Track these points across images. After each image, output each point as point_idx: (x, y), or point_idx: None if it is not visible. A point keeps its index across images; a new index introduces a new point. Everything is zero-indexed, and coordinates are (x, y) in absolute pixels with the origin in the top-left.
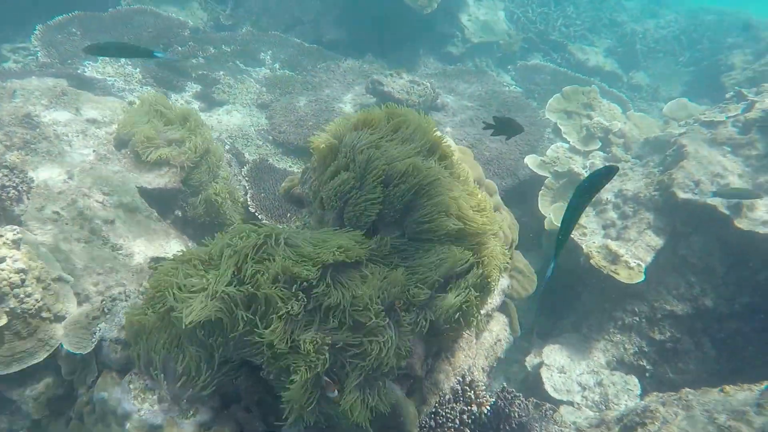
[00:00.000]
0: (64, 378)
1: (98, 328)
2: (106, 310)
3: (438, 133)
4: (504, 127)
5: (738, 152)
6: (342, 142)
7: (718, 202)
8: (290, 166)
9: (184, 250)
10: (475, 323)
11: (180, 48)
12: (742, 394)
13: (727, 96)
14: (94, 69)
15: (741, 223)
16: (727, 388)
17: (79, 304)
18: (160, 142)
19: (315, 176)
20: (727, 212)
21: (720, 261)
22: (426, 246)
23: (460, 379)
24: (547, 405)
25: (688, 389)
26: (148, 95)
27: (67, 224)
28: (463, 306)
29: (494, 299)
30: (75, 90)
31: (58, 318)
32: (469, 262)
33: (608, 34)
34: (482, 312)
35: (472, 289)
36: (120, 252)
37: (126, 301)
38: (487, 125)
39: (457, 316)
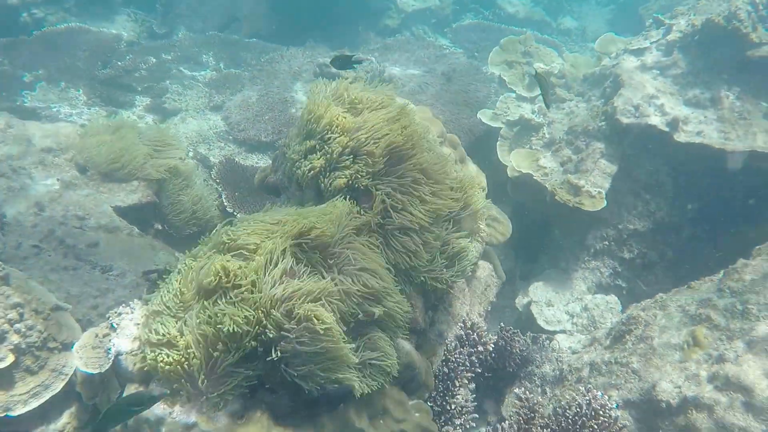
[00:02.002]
0: (86, 404)
1: (112, 344)
2: (114, 325)
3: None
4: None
5: (666, 73)
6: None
7: (657, 121)
8: (257, 162)
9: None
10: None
11: (120, 63)
12: (705, 285)
13: (647, 24)
14: (34, 98)
15: (680, 137)
16: (693, 283)
17: (83, 329)
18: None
19: (287, 161)
20: (666, 129)
21: (667, 175)
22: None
23: (462, 324)
24: (543, 336)
25: (661, 294)
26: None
27: (50, 255)
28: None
29: (476, 251)
30: (20, 121)
31: (66, 346)
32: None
33: None
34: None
35: (462, 238)
36: (111, 273)
37: (132, 313)
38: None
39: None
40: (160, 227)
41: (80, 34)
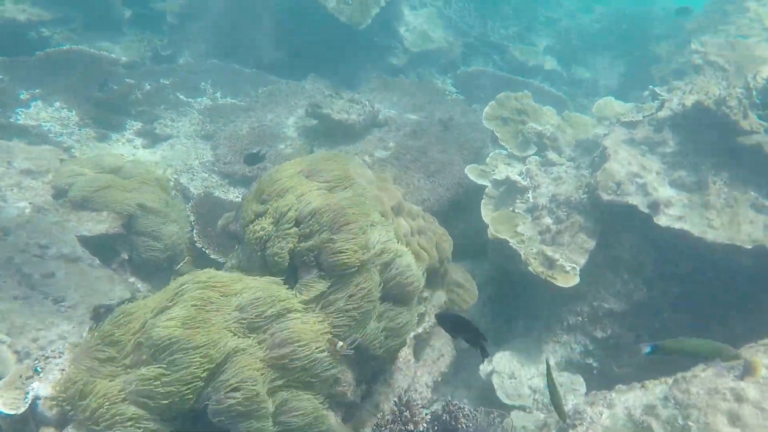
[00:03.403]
0: None
1: (31, 388)
2: (38, 369)
3: (351, 171)
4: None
5: (654, 150)
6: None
7: (638, 201)
8: (237, 197)
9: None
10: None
11: (115, 87)
12: (659, 387)
13: (645, 94)
14: (28, 116)
15: (660, 220)
16: (647, 383)
17: (20, 361)
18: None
19: (243, 216)
20: (647, 210)
21: (648, 256)
22: (342, 280)
23: (396, 399)
24: (496, 412)
25: (620, 386)
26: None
27: (4, 282)
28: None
29: (431, 317)
30: (5, 142)
31: None
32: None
33: (546, 32)
34: (419, 330)
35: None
36: (62, 304)
37: (60, 357)
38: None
39: (383, 338)
40: (127, 257)
41: (80, 56)
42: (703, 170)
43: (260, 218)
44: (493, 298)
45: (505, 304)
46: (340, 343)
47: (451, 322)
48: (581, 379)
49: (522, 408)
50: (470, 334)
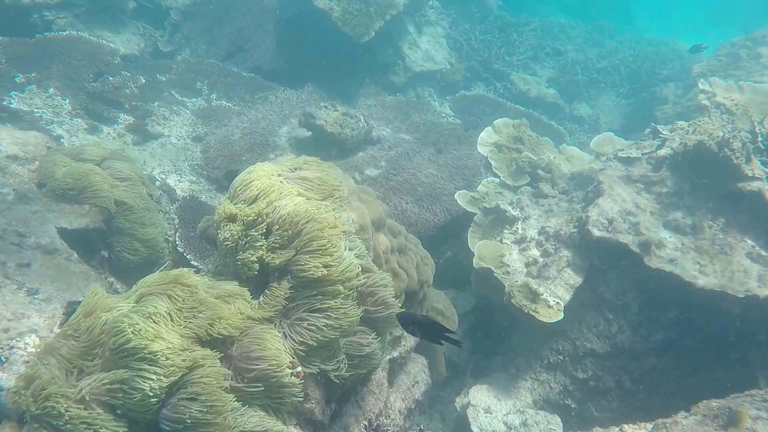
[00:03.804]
0: None
1: None
2: (2, 359)
3: (330, 178)
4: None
5: (650, 189)
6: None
7: (629, 240)
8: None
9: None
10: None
11: (111, 78)
12: None
13: (645, 132)
14: (21, 100)
15: (650, 261)
16: (626, 427)
17: None
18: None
19: (216, 220)
20: (637, 250)
21: (634, 298)
22: (309, 295)
23: (366, 423)
24: None
25: (597, 428)
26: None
27: None
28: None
29: (407, 341)
30: None
31: None
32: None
33: (551, 63)
34: (394, 354)
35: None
36: (36, 296)
37: (26, 350)
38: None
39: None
40: (107, 255)
41: (78, 44)
42: (699, 213)
43: (232, 223)
44: (475, 329)
45: (486, 337)
46: (299, 368)
47: (412, 322)
48: (558, 419)
49: None
50: (433, 332)
